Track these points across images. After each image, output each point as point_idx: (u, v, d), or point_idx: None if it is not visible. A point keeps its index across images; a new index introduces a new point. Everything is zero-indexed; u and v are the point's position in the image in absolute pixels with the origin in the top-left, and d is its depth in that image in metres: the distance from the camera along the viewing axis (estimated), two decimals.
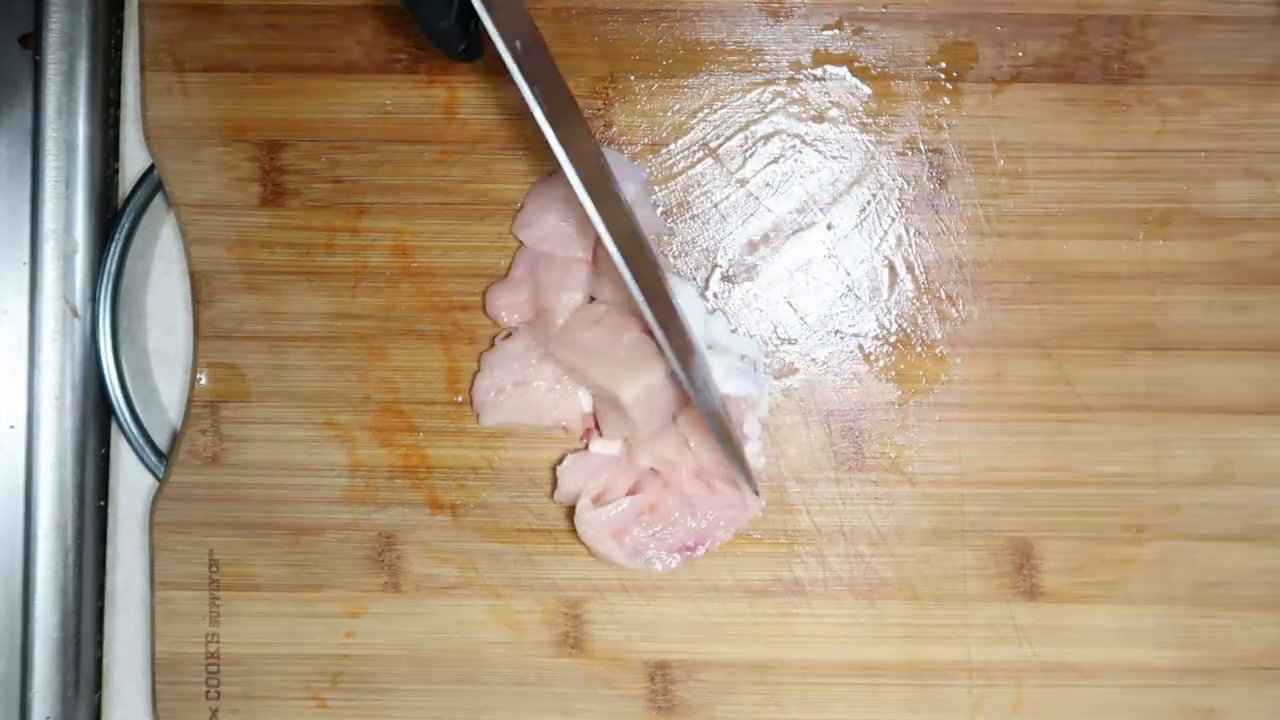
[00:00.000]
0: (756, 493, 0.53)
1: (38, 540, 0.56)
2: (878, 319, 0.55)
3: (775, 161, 0.55)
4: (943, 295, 0.55)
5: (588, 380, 0.53)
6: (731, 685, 0.54)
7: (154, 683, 0.55)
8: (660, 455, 0.53)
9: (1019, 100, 0.55)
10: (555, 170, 0.55)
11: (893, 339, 0.55)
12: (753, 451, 0.54)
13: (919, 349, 0.55)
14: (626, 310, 0.53)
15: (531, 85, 0.44)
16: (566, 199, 0.54)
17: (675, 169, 0.55)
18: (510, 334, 0.54)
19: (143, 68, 0.55)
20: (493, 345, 0.55)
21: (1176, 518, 0.54)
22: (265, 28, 0.55)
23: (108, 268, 0.56)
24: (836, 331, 0.55)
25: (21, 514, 0.56)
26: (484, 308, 0.55)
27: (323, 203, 0.55)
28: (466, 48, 0.49)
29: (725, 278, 0.55)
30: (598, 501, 0.53)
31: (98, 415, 0.57)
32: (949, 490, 0.54)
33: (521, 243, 0.55)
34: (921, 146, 0.55)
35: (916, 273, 0.55)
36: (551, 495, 0.55)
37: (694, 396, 0.49)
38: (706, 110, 0.55)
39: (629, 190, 0.54)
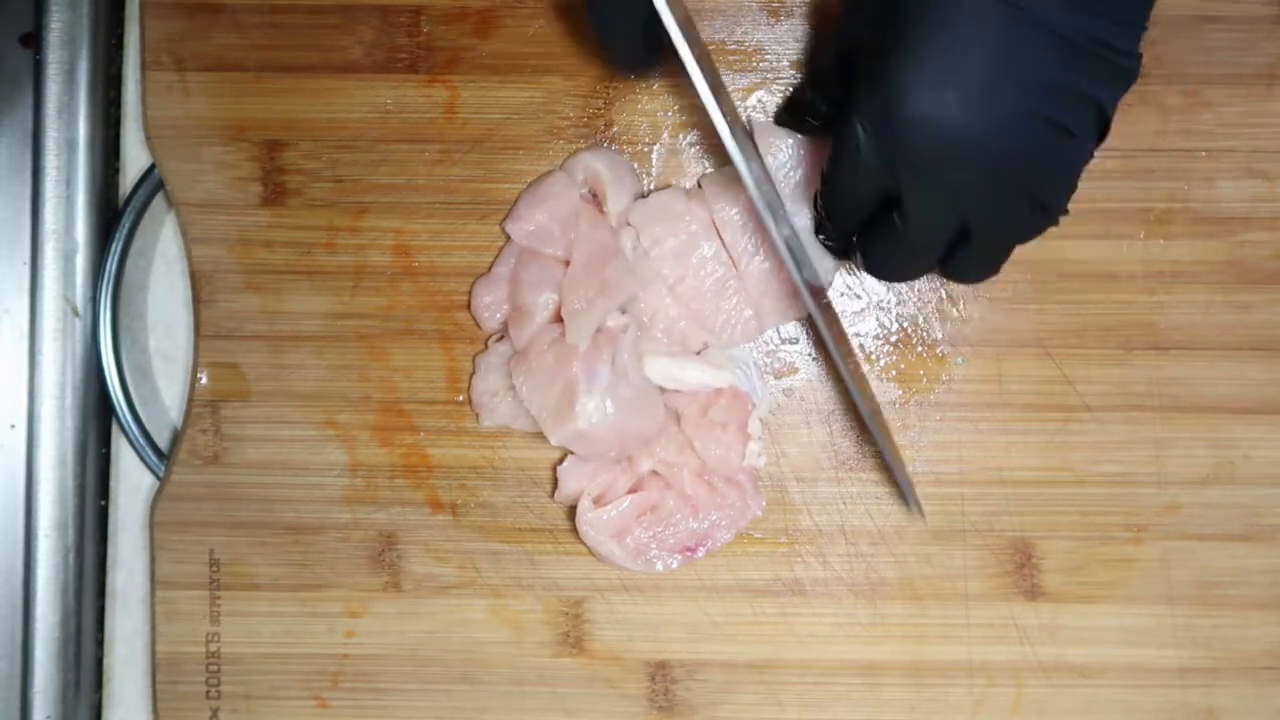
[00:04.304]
0: (922, 513, 0.53)
1: (38, 540, 0.56)
2: (878, 318, 0.55)
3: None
4: (944, 295, 0.55)
5: (532, 411, 0.53)
6: (732, 685, 0.54)
7: (154, 682, 0.55)
8: (662, 458, 0.53)
9: None
10: (552, 170, 0.55)
11: (894, 338, 0.55)
12: (753, 452, 0.54)
13: (920, 348, 0.55)
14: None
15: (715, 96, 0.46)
16: (557, 196, 0.54)
17: (676, 168, 0.55)
18: (502, 336, 0.54)
19: (143, 67, 0.55)
20: (485, 347, 0.55)
21: (1177, 517, 0.54)
22: (266, 27, 0.55)
23: (108, 267, 0.56)
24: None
25: (22, 514, 0.56)
26: (468, 305, 0.55)
27: (323, 202, 0.55)
28: (646, 55, 0.49)
29: None
30: (598, 502, 0.53)
31: (98, 415, 0.57)
32: (950, 490, 0.54)
33: (509, 238, 0.55)
34: None
35: None
36: (552, 495, 0.55)
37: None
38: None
39: (623, 195, 0.54)
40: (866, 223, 0.47)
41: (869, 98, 0.43)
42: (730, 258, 0.53)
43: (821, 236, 0.52)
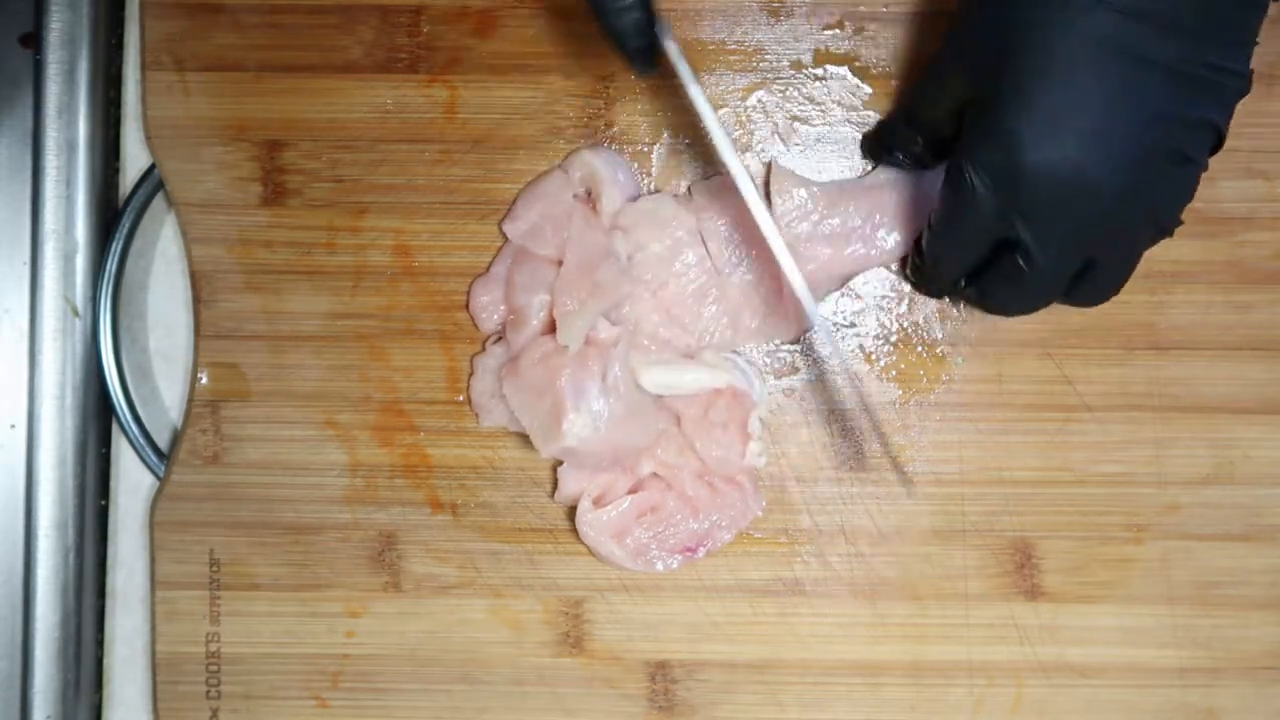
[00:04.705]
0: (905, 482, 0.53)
1: (38, 540, 0.56)
2: (878, 318, 0.55)
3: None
4: None
5: (523, 423, 0.53)
6: (732, 685, 0.54)
7: (154, 682, 0.55)
8: (662, 460, 0.53)
9: None
10: (550, 170, 0.55)
11: (893, 338, 0.55)
12: (754, 451, 0.54)
13: (920, 348, 0.55)
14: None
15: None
16: (551, 195, 0.54)
17: (676, 168, 0.55)
18: (500, 337, 0.54)
19: (143, 67, 0.55)
20: (483, 349, 0.55)
21: (1177, 517, 0.54)
22: (266, 27, 0.55)
23: (108, 267, 0.56)
24: (837, 330, 0.55)
25: (22, 514, 0.56)
26: (467, 305, 0.55)
27: (323, 202, 0.55)
28: (647, 50, 0.47)
29: None
30: (598, 503, 0.53)
31: (98, 415, 0.57)
32: (949, 490, 0.54)
33: (507, 239, 0.55)
34: None
35: None
36: (552, 495, 0.55)
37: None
38: None
39: (618, 195, 0.54)
40: (981, 266, 0.47)
41: (985, 149, 0.43)
42: (714, 266, 0.53)
43: (913, 279, 0.53)
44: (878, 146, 0.54)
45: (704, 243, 0.53)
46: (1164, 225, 0.45)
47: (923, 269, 0.51)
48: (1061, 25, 0.41)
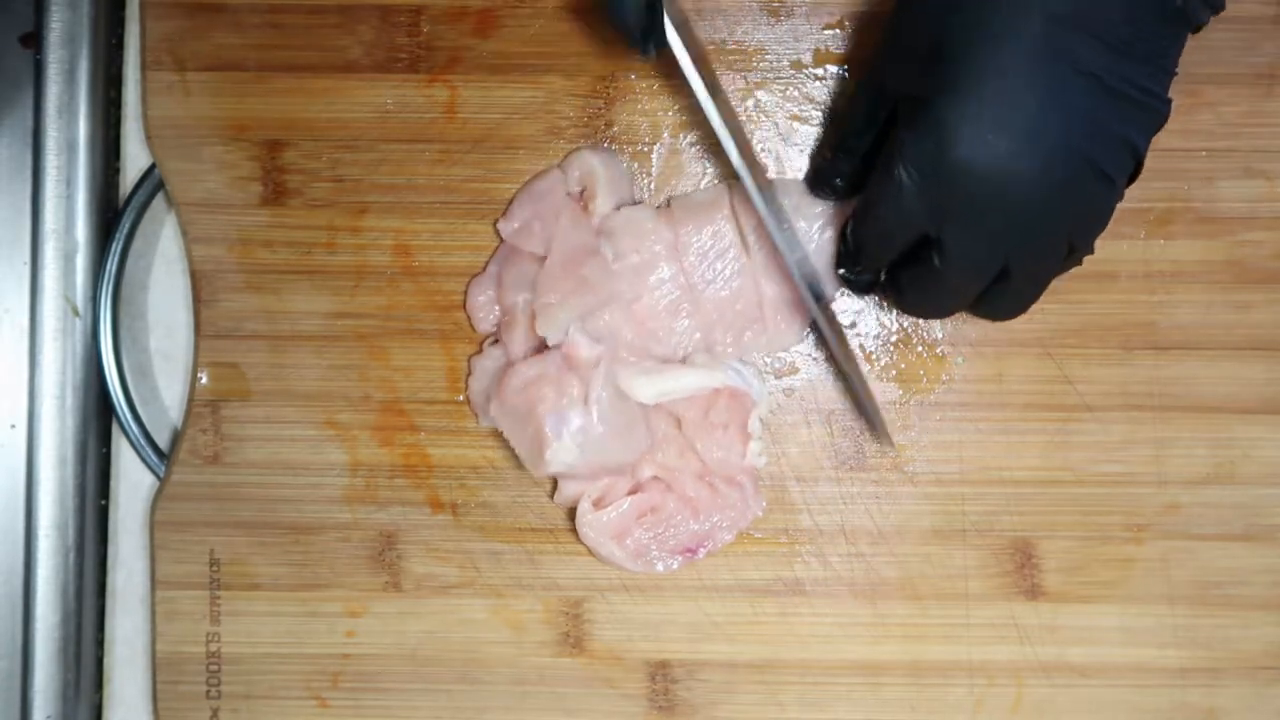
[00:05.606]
0: (891, 444, 0.53)
1: (38, 540, 0.56)
2: (879, 318, 0.55)
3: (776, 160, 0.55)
4: None
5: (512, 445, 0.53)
6: (732, 685, 0.54)
7: (155, 682, 0.55)
8: (662, 463, 0.53)
9: None
10: (548, 169, 0.55)
11: (894, 338, 0.55)
12: (754, 451, 0.54)
13: (920, 348, 0.55)
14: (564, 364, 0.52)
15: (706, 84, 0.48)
16: (545, 194, 0.54)
17: (676, 168, 0.55)
18: (498, 338, 0.54)
19: (144, 67, 0.55)
20: (481, 349, 0.55)
21: (1177, 517, 0.54)
22: (266, 27, 0.55)
23: (109, 267, 0.56)
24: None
25: (22, 514, 0.56)
26: (463, 304, 0.55)
27: (324, 202, 0.55)
28: (649, 38, 0.48)
29: None
30: (599, 504, 0.53)
31: (99, 415, 0.57)
32: (950, 489, 0.54)
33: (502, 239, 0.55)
34: None
35: None
36: (552, 496, 0.55)
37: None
38: None
39: (610, 198, 0.54)
40: (900, 262, 0.48)
41: (915, 143, 0.43)
42: (687, 282, 0.53)
43: (843, 271, 0.53)
44: (814, 182, 0.54)
45: (679, 258, 0.53)
46: (1077, 247, 0.46)
47: (846, 259, 0.52)
48: (999, 26, 0.41)
